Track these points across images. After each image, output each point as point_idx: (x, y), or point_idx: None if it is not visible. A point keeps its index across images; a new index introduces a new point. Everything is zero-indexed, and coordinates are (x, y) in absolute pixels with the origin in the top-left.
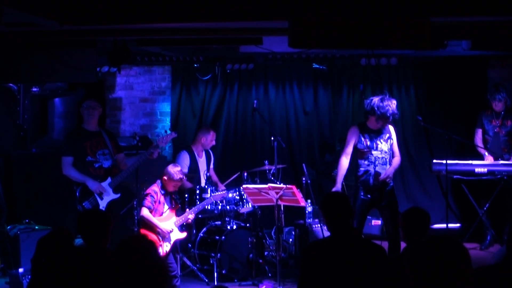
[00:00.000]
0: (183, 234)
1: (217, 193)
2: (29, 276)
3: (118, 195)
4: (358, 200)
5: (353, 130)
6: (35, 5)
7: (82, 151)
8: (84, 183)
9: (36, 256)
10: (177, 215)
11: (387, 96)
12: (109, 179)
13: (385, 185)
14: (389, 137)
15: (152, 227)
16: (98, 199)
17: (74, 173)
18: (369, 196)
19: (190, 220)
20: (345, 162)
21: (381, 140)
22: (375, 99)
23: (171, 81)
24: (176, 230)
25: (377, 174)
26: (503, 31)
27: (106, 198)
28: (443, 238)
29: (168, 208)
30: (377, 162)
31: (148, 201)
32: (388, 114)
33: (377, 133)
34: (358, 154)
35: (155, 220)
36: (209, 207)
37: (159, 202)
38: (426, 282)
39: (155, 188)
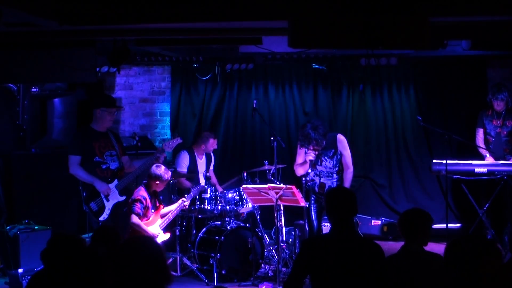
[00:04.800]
0: (167, 235)
1: (195, 187)
2: (29, 277)
3: (124, 197)
4: (311, 202)
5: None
6: (35, 5)
7: (90, 151)
8: (91, 184)
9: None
10: (161, 215)
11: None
12: (116, 181)
13: None
14: (335, 153)
15: (140, 233)
16: (105, 200)
17: (82, 173)
18: (318, 201)
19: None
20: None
21: (326, 157)
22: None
23: (171, 81)
24: (161, 233)
25: (322, 184)
26: (503, 31)
27: (112, 200)
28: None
29: (154, 211)
30: (321, 175)
31: (138, 207)
32: (308, 137)
33: (322, 150)
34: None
35: (144, 225)
36: (208, 207)
37: (148, 208)
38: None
39: (143, 193)
